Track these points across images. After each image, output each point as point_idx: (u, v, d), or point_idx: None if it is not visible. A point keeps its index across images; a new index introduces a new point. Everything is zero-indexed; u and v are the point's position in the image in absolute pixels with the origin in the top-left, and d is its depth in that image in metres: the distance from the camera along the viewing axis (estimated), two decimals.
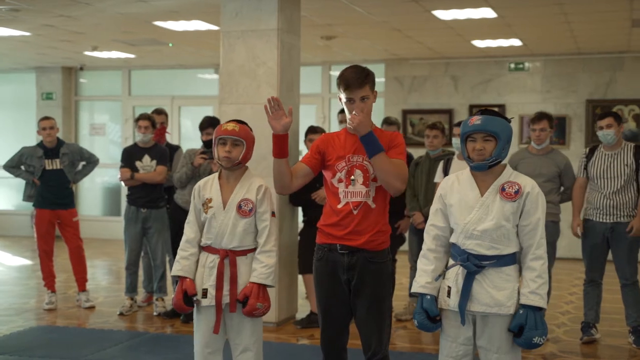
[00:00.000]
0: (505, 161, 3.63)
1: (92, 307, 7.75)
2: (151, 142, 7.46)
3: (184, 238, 4.27)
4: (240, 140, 4.17)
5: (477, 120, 3.49)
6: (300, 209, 7.27)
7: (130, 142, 13.33)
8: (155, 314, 7.43)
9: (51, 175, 7.70)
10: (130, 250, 7.48)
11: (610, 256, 6.39)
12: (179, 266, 4.20)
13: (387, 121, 7.65)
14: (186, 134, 13.25)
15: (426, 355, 6.13)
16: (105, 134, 13.99)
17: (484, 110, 3.57)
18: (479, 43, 10.35)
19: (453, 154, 6.97)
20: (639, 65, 11.03)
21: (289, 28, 7.02)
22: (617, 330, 6.80)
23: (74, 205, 7.92)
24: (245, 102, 6.91)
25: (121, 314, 7.43)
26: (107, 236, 13.25)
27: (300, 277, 7.31)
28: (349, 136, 4.02)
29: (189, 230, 4.27)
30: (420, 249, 6.22)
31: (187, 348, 6.19)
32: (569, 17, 8.46)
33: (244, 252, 4.18)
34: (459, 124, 6.74)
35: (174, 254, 7.31)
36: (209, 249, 4.21)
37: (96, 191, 13.99)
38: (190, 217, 4.29)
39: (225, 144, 4.16)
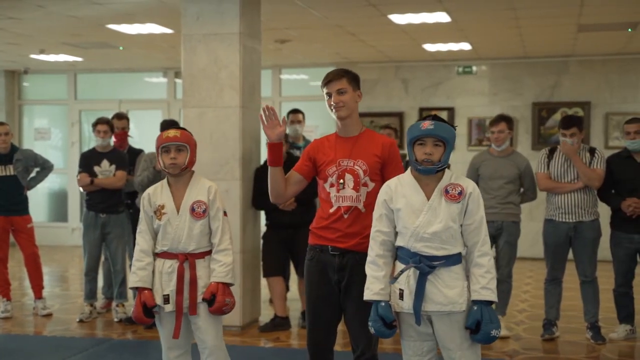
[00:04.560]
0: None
1: (49, 315, 7.59)
2: (109, 147, 7.36)
3: (137, 248, 4.27)
4: (183, 145, 4.24)
5: (429, 125, 3.55)
6: (262, 212, 7.26)
7: (77, 147, 13.17)
8: (116, 320, 7.32)
9: (4, 182, 7.52)
10: (89, 256, 7.34)
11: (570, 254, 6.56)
12: (137, 277, 4.21)
13: None
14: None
15: None
16: (51, 139, 13.71)
17: (435, 116, 3.65)
18: (429, 47, 10.50)
19: None
20: (583, 68, 11.35)
21: (250, 32, 7.02)
22: (575, 326, 6.97)
23: (28, 211, 7.73)
24: (208, 106, 6.87)
25: (81, 320, 7.30)
26: (53, 242, 12.96)
27: (263, 280, 7.30)
28: (339, 140, 4.07)
29: (142, 240, 4.28)
30: None
31: (154, 353, 6.15)
32: (520, 21, 8.66)
33: (202, 255, 4.25)
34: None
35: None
36: (165, 255, 4.24)
37: (39, 197, 13.70)
38: (142, 227, 4.31)
39: (169, 152, 4.23)
